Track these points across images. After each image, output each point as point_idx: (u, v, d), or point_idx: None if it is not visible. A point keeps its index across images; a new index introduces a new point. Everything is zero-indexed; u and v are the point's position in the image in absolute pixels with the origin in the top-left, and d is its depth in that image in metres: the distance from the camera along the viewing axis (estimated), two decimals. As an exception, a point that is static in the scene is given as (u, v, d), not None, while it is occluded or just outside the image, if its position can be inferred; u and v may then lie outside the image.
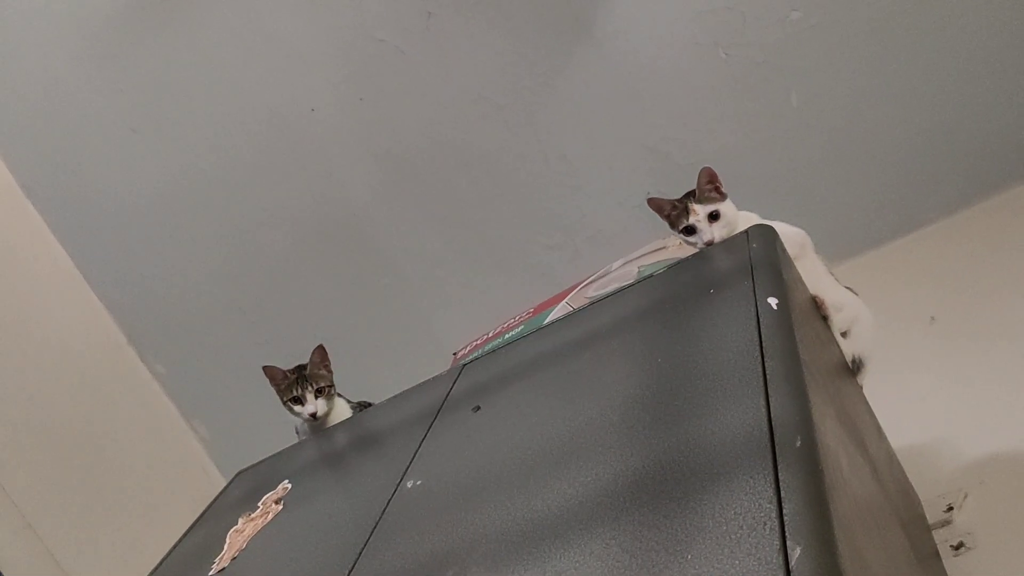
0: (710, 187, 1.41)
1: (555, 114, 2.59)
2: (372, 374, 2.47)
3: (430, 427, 1.30)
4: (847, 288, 1.47)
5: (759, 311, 1.04)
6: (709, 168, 1.42)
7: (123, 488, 2.76)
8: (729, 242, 1.29)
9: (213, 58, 2.64)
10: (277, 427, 1.79)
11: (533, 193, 2.67)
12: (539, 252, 2.67)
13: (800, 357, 0.95)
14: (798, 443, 0.78)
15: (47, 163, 2.77)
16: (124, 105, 2.71)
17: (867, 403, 1.43)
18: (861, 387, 1.42)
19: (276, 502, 1.36)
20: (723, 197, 1.41)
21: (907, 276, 2.33)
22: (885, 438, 1.45)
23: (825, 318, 1.36)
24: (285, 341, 2.81)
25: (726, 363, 0.97)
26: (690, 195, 1.41)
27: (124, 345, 3.02)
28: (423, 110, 2.62)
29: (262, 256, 2.80)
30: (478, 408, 1.26)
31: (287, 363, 2.59)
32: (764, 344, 0.97)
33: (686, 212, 1.38)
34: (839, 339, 1.38)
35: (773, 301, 1.04)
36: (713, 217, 1.37)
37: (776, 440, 0.79)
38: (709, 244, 1.37)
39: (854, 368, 1.40)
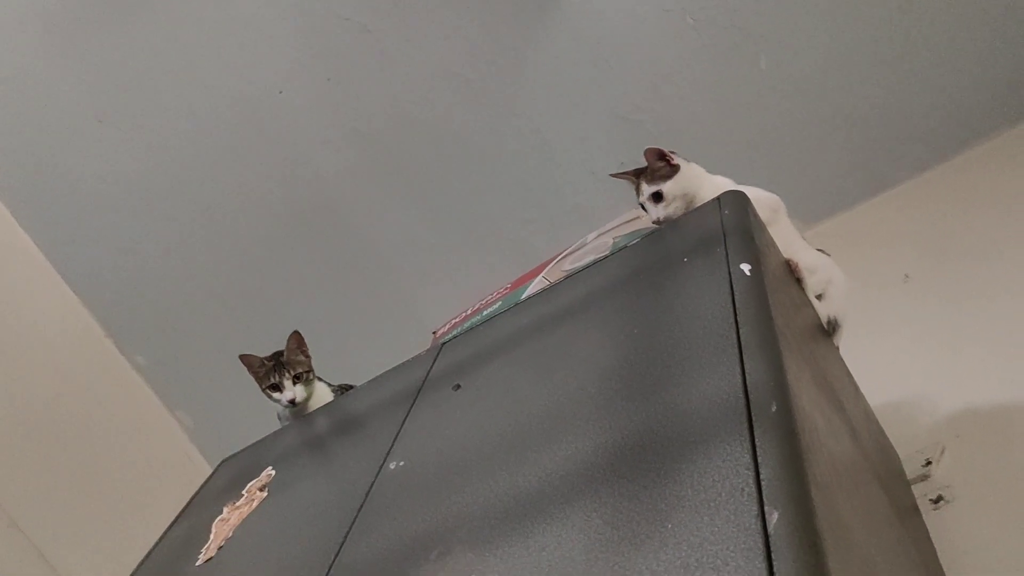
0: (658, 164, 1.38)
1: (525, 87, 2.58)
2: (353, 355, 2.46)
3: (411, 407, 1.30)
4: (820, 251, 1.47)
5: (732, 277, 1.04)
6: (652, 148, 1.39)
7: (108, 480, 2.75)
8: (701, 209, 1.29)
9: (177, 43, 2.60)
10: (260, 413, 1.79)
11: (507, 167, 2.67)
12: (515, 226, 2.67)
13: (774, 322, 0.96)
14: (773, 408, 0.79)
15: (12, 156, 2.73)
16: (89, 94, 2.67)
17: (843, 363, 1.44)
18: (837, 348, 1.43)
19: (260, 489, 1.36)
20: (673, 172, 1.38)
21: (880, 236, 2.35)
22: (862, 397, 1.47)
23: (799, 281, 1.37)
24: (265, 326, 2.80)
25: (701, 331, 0.98)
26: (641, 172, 1.40)
27: (102, 338, 2.99)
28: (392, 88, 2.60)
29: (237, 242, 2.78)
30: (458, 386, 1.26)
31: (269, 348, 2.58)
32: (738, 311, 0.97)
33: (637, 190, 1.39)
34: (814, 301, 1.39)
35: (746, 267, 1.04)
36: (656, 197, 1.36)
37: (752, 406, 0.80)
38: (657, 223, 1.37)
39: (829, 329, 1.41)
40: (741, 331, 0.92)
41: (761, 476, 0.73)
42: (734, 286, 1.02)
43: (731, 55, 2.49)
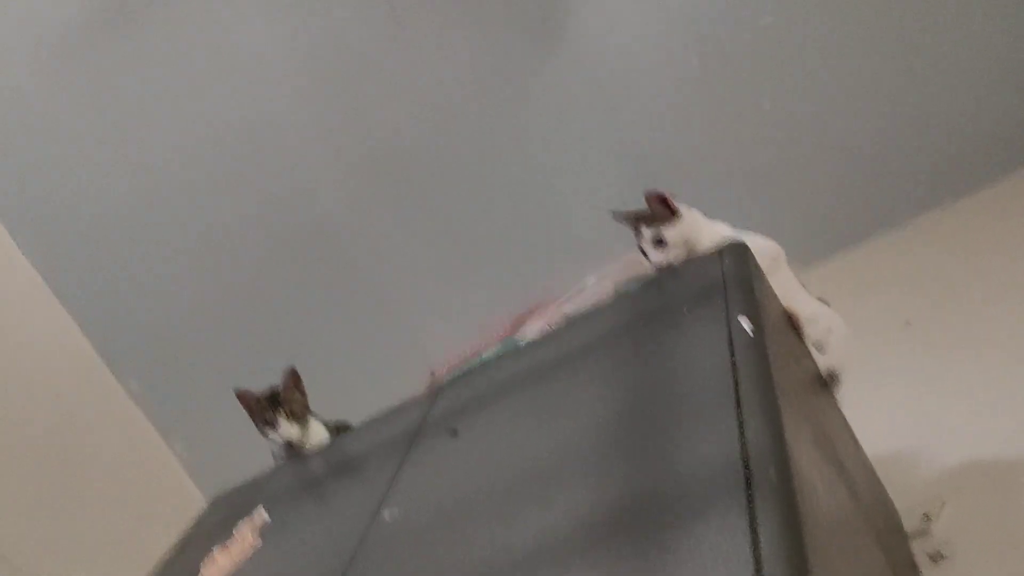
0: (660, 209, 1.36)
1: (529, 120, 2.59)
2: (350, 387, 2.44)
3: (407, 453, 1.29)
4: (820, 300, 1.47)
5: (732, 332, 1.03)
6: (655, 191, 1.36)
7: (99, 507, 2.72)
8: (704, 261, 1.29)
9: (180, 68, 2.61)
10: (252, 441, 1.77)
11: (506, 198, 2.67)
12: (515, 259, 2.66)
13: (773, 381, 0.95)
14: (772, 474, 0.78)
15: (11, 176, 2.73)
16: (92, 117, 2.67)
17: (842, 415, 1.43)
18: (836, 399, 1.42)
19: (252, 532, 1.34)
20: (672, 217, 1.36)
21: (881, 279, 2.34)
22: (861, 449, 1.45)
23: (799, 332, 1.36)
24: (261, 353, 2.78)
25: (699, 387, 0.97)
26: (642, 216, 1.38)
27: (96, 361, 2.98)
28: (393, 117, 2.61)
29: (234, 267, 2.77)
30: (455, 432, 1.25)
31: (264, 376, 2.56)
32: (737, 367, 0.97)
33: (638, 234, 1.37)
34: (814, 353, 1.39)
35: (746, 322, 1.04)
36: (658, 242, 1.34)
37: (751, 471, 0.79)
38: (660, 269, 1.35)
39: (829, 381, 1.40)
40: (741, 389, 0.92)
41: (759, 544, 0.72)
42: (733, 341, 1.01)
43: (735, 95, 2.50)
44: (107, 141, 2.68)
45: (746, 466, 0.79)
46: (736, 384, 0.93)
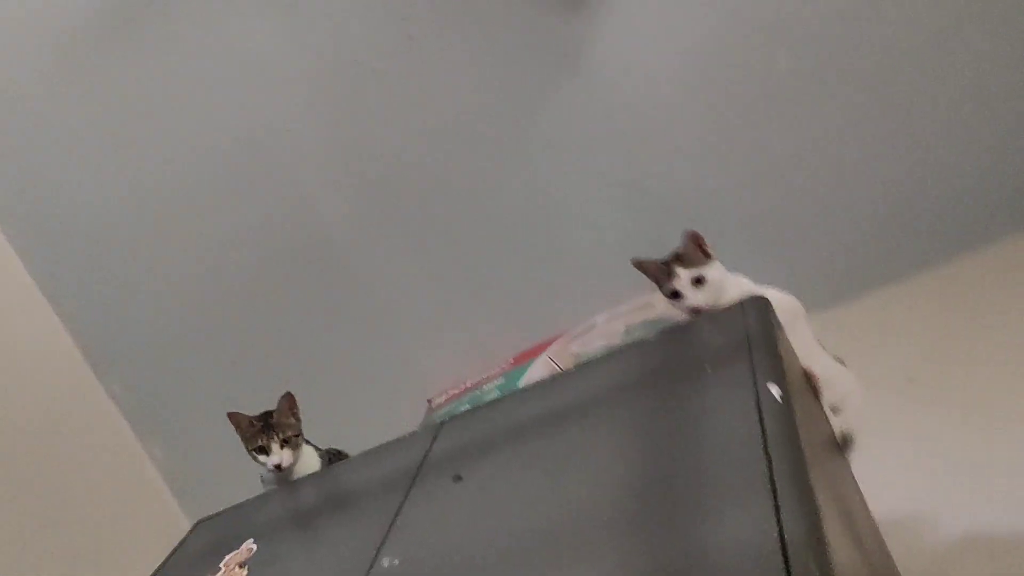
0: (696, 249, 1.36)
1: (537, 146, 2.55)
2: (342, 411, 2.39)
3: (408, 494, 1.24)
4: (836, 359, 1.44)
5: (760, 400, 1.00)
6: (694, 231, 1.38)
7: (72, 511, 2.66)
8: (725, 315, 1.25)
9: (187, 74, 2.56)
10: (236, 454, 1.72)
11: (513, 226, 2.62)
12: (518, 287, 2.61)
13: (805, 457, 0.91)
14: (812, 567, 0.74)
15: (7, 172, 2.66)
16: (92, 117, 2.61)
17: (855, 480, 1.39)
18: (849, 464, 1.39)
19: (240, 566, 1.29)
20: (709, 259, 1.36)
21: (883, 333, 2.31)
22: (871, 514, 1.42)
23: (816, 393, 1.33)
24: (250, 364, 2.74)
25: (727, 459, 0.93)
26: (675, 257, 1.37)
27: (80, 362, 2.92)
28: (401, 135, 2.57)
29: (230, 278, 2.71)
30: (459, 478, 1.20)
31: (251, 388, 2.49)
32: (768, 440, 0.93)
33: (670, 275, 1.34)
34: (829, 415, 1.35)
35: (775, 390, 1.00)
36: (697, 282, 1.33)
37: (790, 563, 0.74)
38: (694, 311, 1.33)
39: (843, 445, 1.37)
40: (773, 467, 0.88)
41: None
42: (763, 411, 0.98)
43: (747, 135, 2.47)
44: (106, 144, 2.62)
45: (784, 557, 0.75)
46: (768, 460, 0.90)
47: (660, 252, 2.55)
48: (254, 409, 1.67)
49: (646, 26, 2.40)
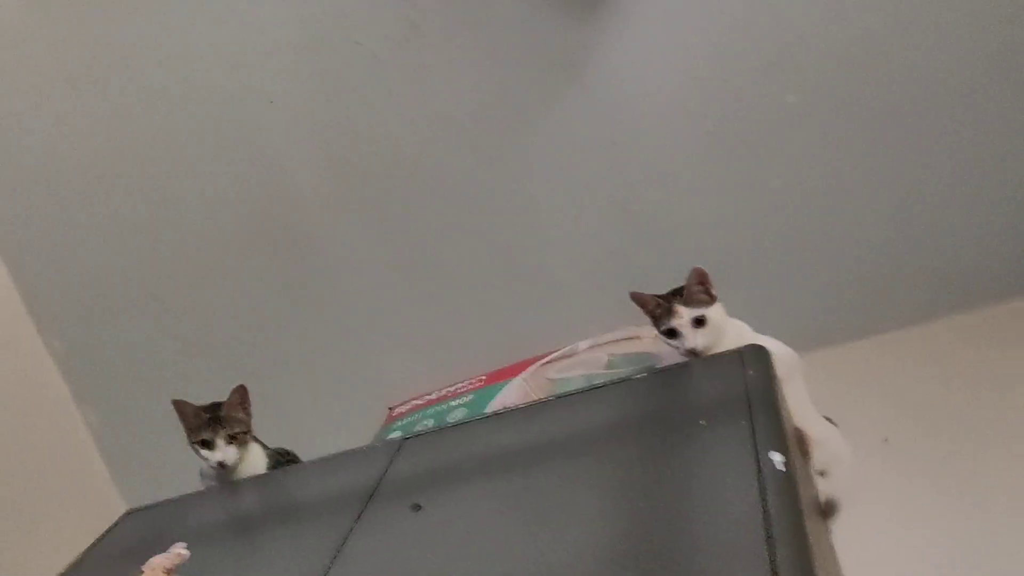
0: (699, 289, 1.30)
1: (529, 152, 2.46)
2: (296, 402, 2.29)
3: (360, 516, 1.14)
4: (827, 419, 1.37)
5: (761, 467, 0.92)
6: (701, 269, 1.31)
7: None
8: (721, 362, 1.17)
9: (175, 25, 2.42)
10: (176, 437, 1.60)
11: (492, 229, 2.53)
12: (490, 291, 2.52)
13: (808, 536, 0.83)
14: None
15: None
16: (66, 53, 2.46)
17: (834, 549, 1.32)
18: (830, 531, 1.32)
19: (167, 572, 1.17)
20: (712, 300, 1.30)
21: (859, 386, 2.25)
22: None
23: (806, 454, 1.25)
24: (203, 342, 2.61)
25: (725, 525, 0.85)
26: (676, 293, 1.30)
27: (23, 315, 2.78)
28: (390, 123, 2.46)
29: (190, 244, 2.58)
30: (418, 507, 1.10)
31: (201, 368, 2.39)
32: (769, 513, 0.85)
33: (670, 313, 1.27)
34: (815, 478, 1.28)
35: (778, 459, 0.92)
36: (699, 322, 1.26)
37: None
38: (692, 352, 1.25)
39: (827, 510, 1.30)
40: (775, 542, 0.80)
41: None
42: (764, 480, 0.90)
43: (744, 167, 2.40)
44: (77, 83, 2.47)
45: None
46: (768, 533, 0.82)
47: (642, 278, 2.47)
48: (199, 394, 1.56)
49: (655, 45, 2.33)
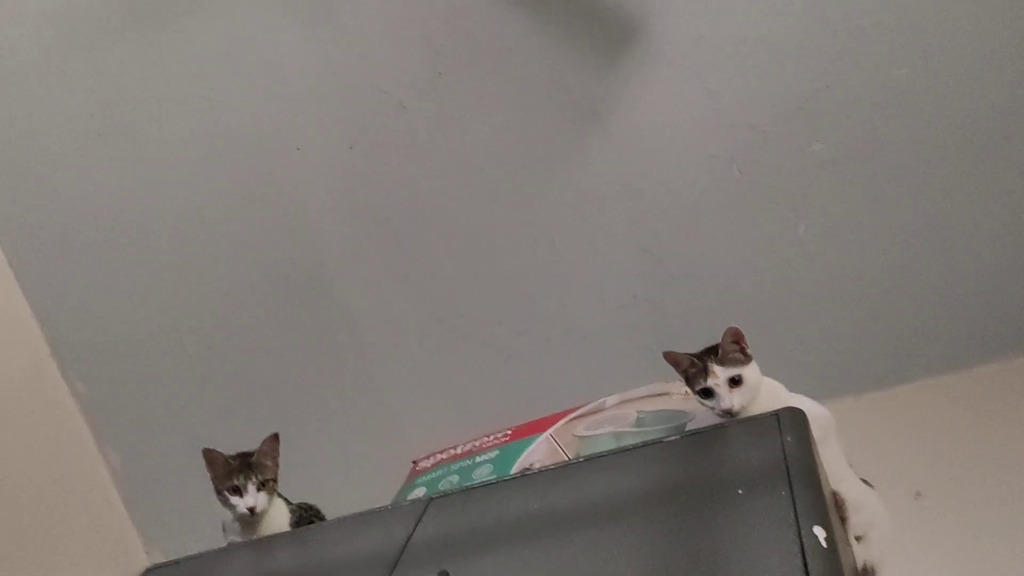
0: (735, 348, 1.27)
1: (551, 198, 2.45)
2: (319, 454, 2.27)
3: (386, 583, 1.12)
4: (864, 481, 1.34)
5: (803, 543, 0.89)
6: (736, 328, 1.29)
7: (12, 511, 2.52)
8: (757, 427, 1.15)
9: (200, 74, 2.44)
10: (195, 472, 1.59)
11: (513, 274, 2.52)
12: (518, 349, 2.49)
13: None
14: None
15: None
16: (93, 105, 2.49)
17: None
18: (868, 599, 1.28)
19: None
20: (748, 360, 1.27)
21: (889, 438, 2.21)
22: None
23: (843, 519, 1.22)
24: (222, 381, 2.61)
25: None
26: (711, 352, 1.27)
27: (47, 357, 2.79)
28: (414, 170, 2.46)
29: (213, 291, 2.59)
30: (446, 574, 1.08)
31: (220, 407, 2.38)
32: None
33: (704, 372, 1.24)
34: (852, 543, 1.25)
35: (821, 533, 0.89)
36: (735, 382, 1.24)
37: None
38: (727, 413, 1.23)
39: (864, 577, 1.26)
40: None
41: None
42: (806, 556, 0.87)
43: (770, 215, 2.38)
44: (104, 134, 2.50)
45: None
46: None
47: (667, 326, 2.44)
48: (219, 441, 1.56)
49: (679, 91, 2.32)
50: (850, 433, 1.96)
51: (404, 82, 2.37)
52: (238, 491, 1.44)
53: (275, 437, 1.49)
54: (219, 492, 1.47)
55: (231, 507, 1.46)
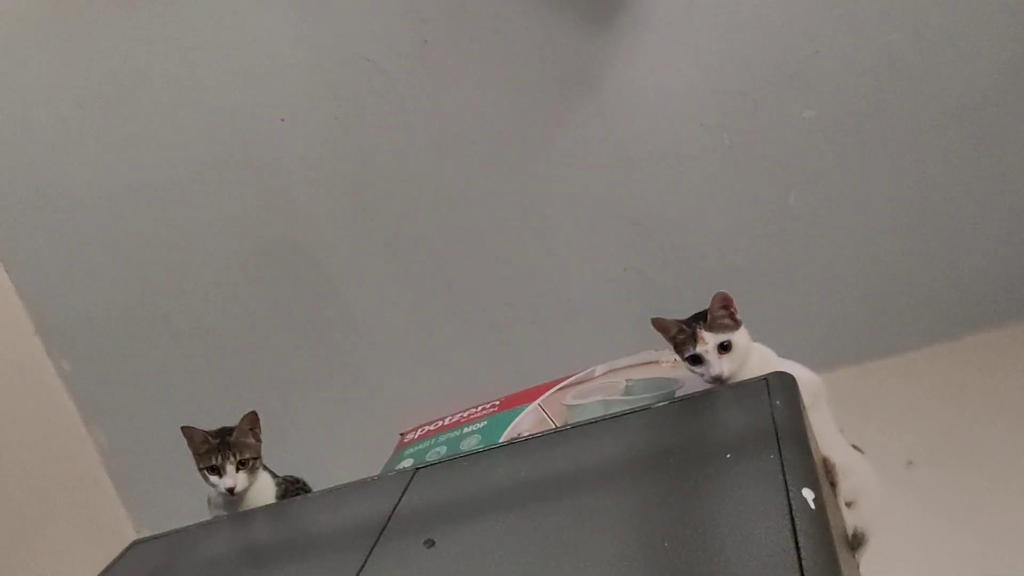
0: (723, 313, 1.25)
1: (541, 169, 2.43)
2: (305, 427, 2.25)
3: (371, 551, 1.10)
4: (854, 447, 1.32)
5: (792, 505, 0.87)
6: (724, 293, 1.26)
7: (4, 486, 2.50)
8: (747, 392, 1.13)
9: (184, 44, 2.41)
10: (182, 449, 1.57)
11: (503, 246, 2.50)
12: (503, 312, 2.48)
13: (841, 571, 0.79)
14: None
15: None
16: (75, 76, 2.45)
17: (861, 582, 1.27)
18: (858, 565, 1.27)
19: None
20: (737, 325, 1.25)
21: (881, 406, 2.21)
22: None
23: (833, 484, 1.21)
24: (209, 357, 2.58)
25: (755, 571, 0.81)
26: (699, 318, 1.25)
27: (31, 335, 2.76)
28: (400, 141, 2.43)
29: (197, 264, 2.56)
30: (432, 543, 1.06)
31: (208, 382, 2.36)
32: (801, 555, 0.80)
33: (693, 338, 1.22)
34: (843, 508, 1.23)
35: (809, 496, 0.88)
36: (724, 348, 1.22)
37: None
38: (717, 379, 1.21)
39: (854, 543, 1.25)
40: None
41: None
42: (795, 519, 0.85)
43: (761, 183, 2.36)
44: (86, 105, 2.46)
45: None
46: (802, 574, 0.78)
47: (657, 296, 2.42)
48: (207, 416, 1.54)
49: (669, 59, 2.29)
50: (842, 402, 1.95)
51: (390, 51, 2.33)
52: (217, 471, 1.42)
53: (253, 414, 1.47)
54: (200, 470, 1.45)
55: (212, 485, 1.44)
